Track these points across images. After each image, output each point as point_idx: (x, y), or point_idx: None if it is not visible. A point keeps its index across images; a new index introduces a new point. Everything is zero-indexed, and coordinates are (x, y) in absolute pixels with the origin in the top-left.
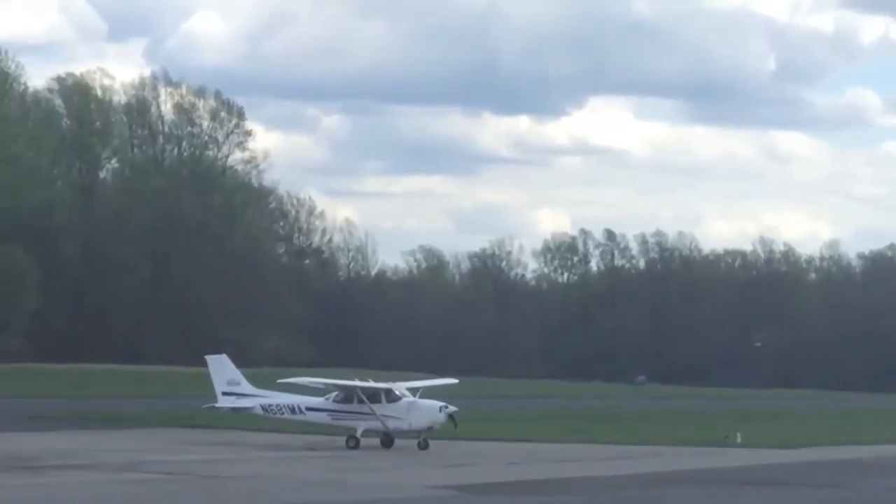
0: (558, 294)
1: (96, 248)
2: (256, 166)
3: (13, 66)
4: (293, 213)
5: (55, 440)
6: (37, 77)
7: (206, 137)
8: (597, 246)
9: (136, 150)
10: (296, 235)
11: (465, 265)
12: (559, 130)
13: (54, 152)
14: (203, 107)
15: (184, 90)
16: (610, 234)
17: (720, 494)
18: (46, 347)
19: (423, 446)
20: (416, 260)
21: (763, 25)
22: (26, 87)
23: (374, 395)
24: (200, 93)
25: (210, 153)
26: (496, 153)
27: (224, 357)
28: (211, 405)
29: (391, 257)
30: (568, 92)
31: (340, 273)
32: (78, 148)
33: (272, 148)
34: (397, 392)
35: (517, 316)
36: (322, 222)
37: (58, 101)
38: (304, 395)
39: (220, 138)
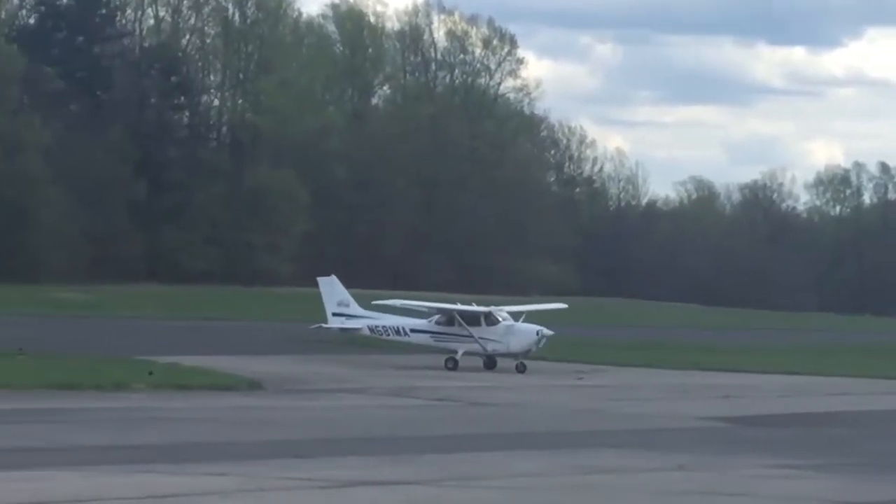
0: (830, 227)
1: (367, 173)
2: (528, 94)
3: None
4: (564, 141)
5: (324, 364)
6: (311, 3)
7: (479, 65)
8: (870, 179)
9: (408, 76)
10: (566, 164)
11: (736, 196)
12: (834, 61)
13: (327, 78)
14: (476, 34)
15: (457, 17)
16: (884, 167)
17: None
18: (316, 271)
19: (521, 369)
20: (686, 190)
21: None
22: (300, 14)
23: (473, 319)
24: (473, 20)
25: (482, 81)
26: (770, 84)
27: (334, 279)
28: (319, 325)
29: (662, 187)
30: (844, 22)
31: (611, 203)
32: (350, 74)
33: (544, 76)
34: (497, 316)
35: (788, 248)
36: (593, 151)
37: (331, 28)
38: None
39: (493, 66)
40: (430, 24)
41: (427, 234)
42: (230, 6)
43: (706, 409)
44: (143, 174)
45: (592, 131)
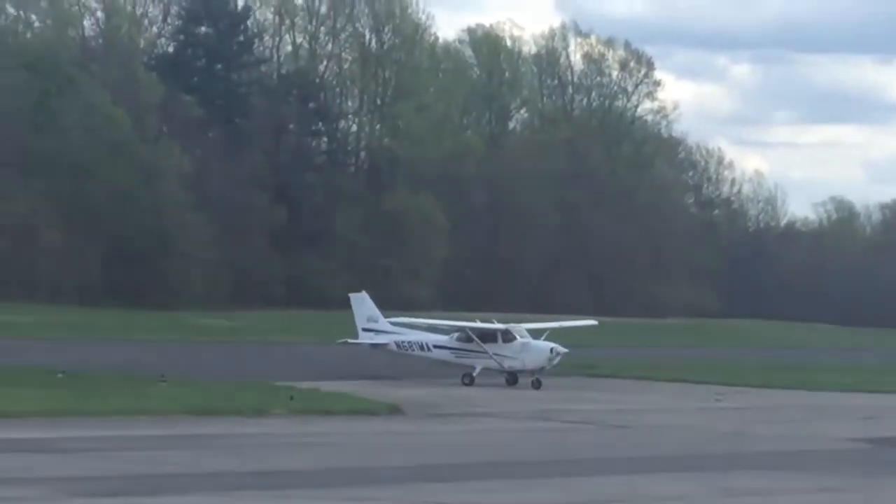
0: None
1: (505, 197)
2: (665, 116)
3: (424, 18)
4: (702, 163)
5: (459, 388)
6: (447, 28)
7: (615, 87)
8: None
9: (545, 100)
10: (705, 186)
11: (877, 216)
12: None
13: (464, 102)
14: (612, 57)
15: (593, 40)
16: None
17: None
18: (455, 296)
19: (536, 385)
20: (826, 211)
21: None
22: (437, 38)
23: (489, 336)
24: (610, 43)
25: (619, 103)
26: None
27: (365, 295)
28: (345, 340)
29: (801, 208)
30: None
31: (749, 224)
32: (487, 98)
33: (681, 97)
34: (514, 333)
35: None
36: (731, 172)
37: (468, 52)
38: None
39: (630, 88)
40: (566, 47)
41: (565, 258)
42: (367, 32)
43: (850, 431)
44: (283, 200)
45: (730, 152)
